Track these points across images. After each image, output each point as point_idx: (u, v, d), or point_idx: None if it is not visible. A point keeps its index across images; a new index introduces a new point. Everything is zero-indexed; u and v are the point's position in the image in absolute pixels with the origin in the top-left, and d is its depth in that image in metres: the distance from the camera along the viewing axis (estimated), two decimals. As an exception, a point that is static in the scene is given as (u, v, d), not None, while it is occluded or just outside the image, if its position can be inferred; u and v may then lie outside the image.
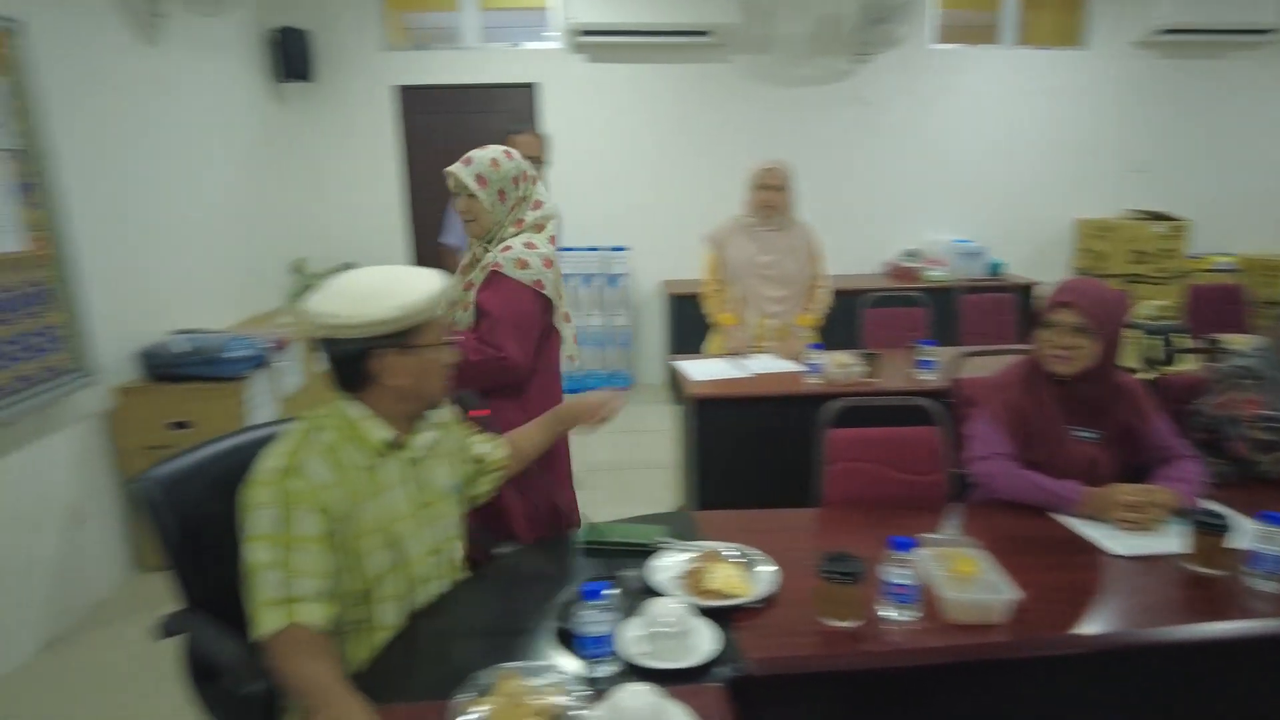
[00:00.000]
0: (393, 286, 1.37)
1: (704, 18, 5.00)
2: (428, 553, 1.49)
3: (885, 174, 5.60)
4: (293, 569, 1.27)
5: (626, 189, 5.44)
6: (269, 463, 1.34)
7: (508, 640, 1.38)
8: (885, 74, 5.44)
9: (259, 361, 3.17)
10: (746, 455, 2.90)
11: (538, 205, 2.12)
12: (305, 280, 5.04)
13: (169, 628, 1.67)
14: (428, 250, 5.48)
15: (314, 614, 1.27)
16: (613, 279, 5.46)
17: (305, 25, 4.94)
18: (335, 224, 5.35)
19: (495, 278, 2.01)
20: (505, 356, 1.97)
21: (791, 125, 5.42)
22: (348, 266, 5.24)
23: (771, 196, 3.20)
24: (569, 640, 1.32)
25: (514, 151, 2.09)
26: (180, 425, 3.06)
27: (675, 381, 3.16)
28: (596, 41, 5.14)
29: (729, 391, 2.86)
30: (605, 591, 1.24)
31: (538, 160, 3.50)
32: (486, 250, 2.08)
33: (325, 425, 1.40)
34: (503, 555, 1.76)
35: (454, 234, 3.61)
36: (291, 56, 4.86)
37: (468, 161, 2.04)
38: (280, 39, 4.84)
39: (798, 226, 3.31)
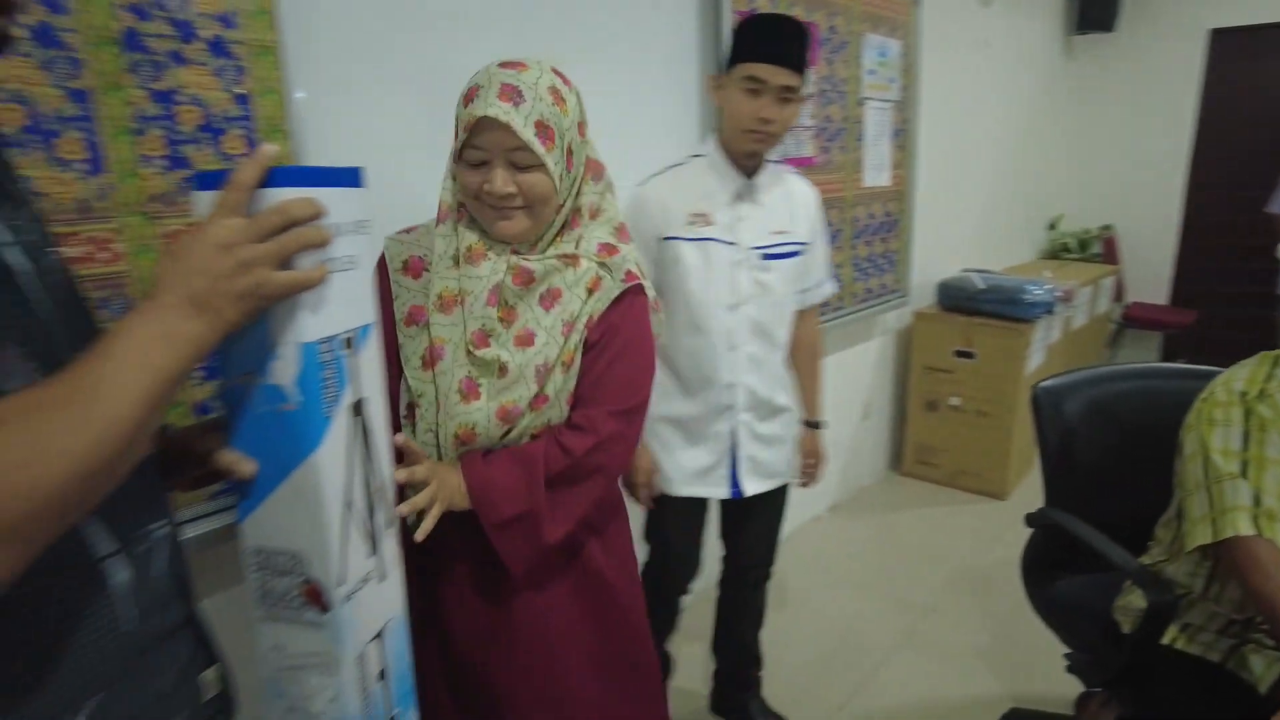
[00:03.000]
0: None
1: None
2: None
3: None
4: (1261, 486, 1.26)
5: None
6: (1230, 385, 1.35)
7: None
8: None
9: (1049, 308, 3.26)
10: None
11: (599, 171, 1.17)
12: (1060, 238, 4.98)
13: (1033, 520, 1.88)
14: (1204, 220, 4.86)
15: None
16: None
17: (1117, -29, 4.72)
18: (1099, 182, 5.11)
19: (634, 298, 1.17)
20: (641, 422, 1.21)
21: None
22: (1106, 229, 5.02)
23: None
24: None
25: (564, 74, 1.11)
26: (964, 354, 3.36)
27: None
28: None
29: None
30: None
31: None
32: (554, 256, 1.13)
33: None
34: None
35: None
36: (1094, 5, 4.72)
37: (513, 96, 1.01)
38: (1085, -11, 4.74)
39: None
